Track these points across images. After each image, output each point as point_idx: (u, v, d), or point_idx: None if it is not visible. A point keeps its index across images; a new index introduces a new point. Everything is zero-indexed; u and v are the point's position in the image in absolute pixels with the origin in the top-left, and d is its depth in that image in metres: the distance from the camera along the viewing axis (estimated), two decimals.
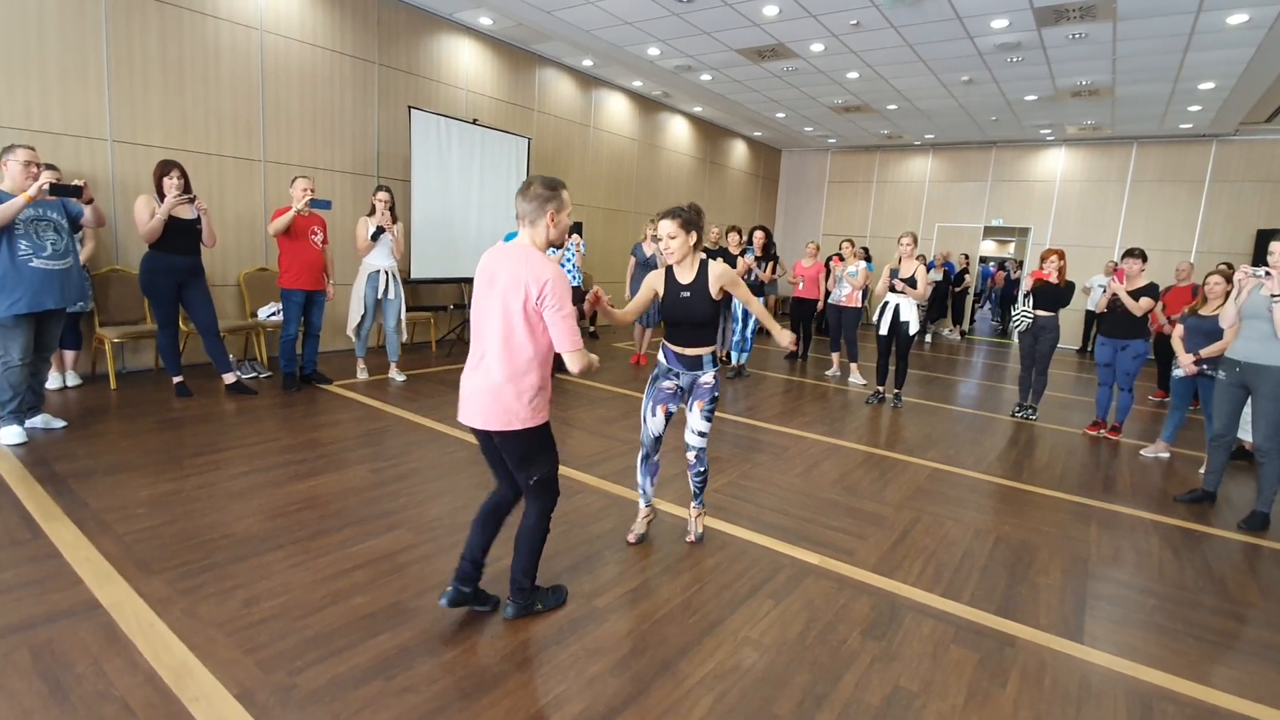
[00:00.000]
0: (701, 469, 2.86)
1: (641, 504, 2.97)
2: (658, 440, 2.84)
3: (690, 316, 2.69)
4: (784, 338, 2.75)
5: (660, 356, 2.83)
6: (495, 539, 2.28)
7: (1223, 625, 2.58)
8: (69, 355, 4.71)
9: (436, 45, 7.28)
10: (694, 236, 2.63)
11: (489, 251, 2.13)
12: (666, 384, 2.79)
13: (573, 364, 2.06)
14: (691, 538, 2.98)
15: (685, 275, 2.69)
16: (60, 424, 3.87)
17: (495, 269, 2.05)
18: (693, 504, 3.00)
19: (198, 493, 3.11)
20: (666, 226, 2.61)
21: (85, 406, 4.34)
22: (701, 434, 2.80)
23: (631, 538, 2.92)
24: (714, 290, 2.67)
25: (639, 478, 2.92)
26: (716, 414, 5.03)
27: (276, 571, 2.46)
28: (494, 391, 2.04)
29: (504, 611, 2.26)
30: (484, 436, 2.15)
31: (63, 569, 2.38)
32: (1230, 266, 4.87)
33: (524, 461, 2.13)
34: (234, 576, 2.40)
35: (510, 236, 6.57)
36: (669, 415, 2.80)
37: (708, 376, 2.76)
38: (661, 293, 2.73)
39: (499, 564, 2.52)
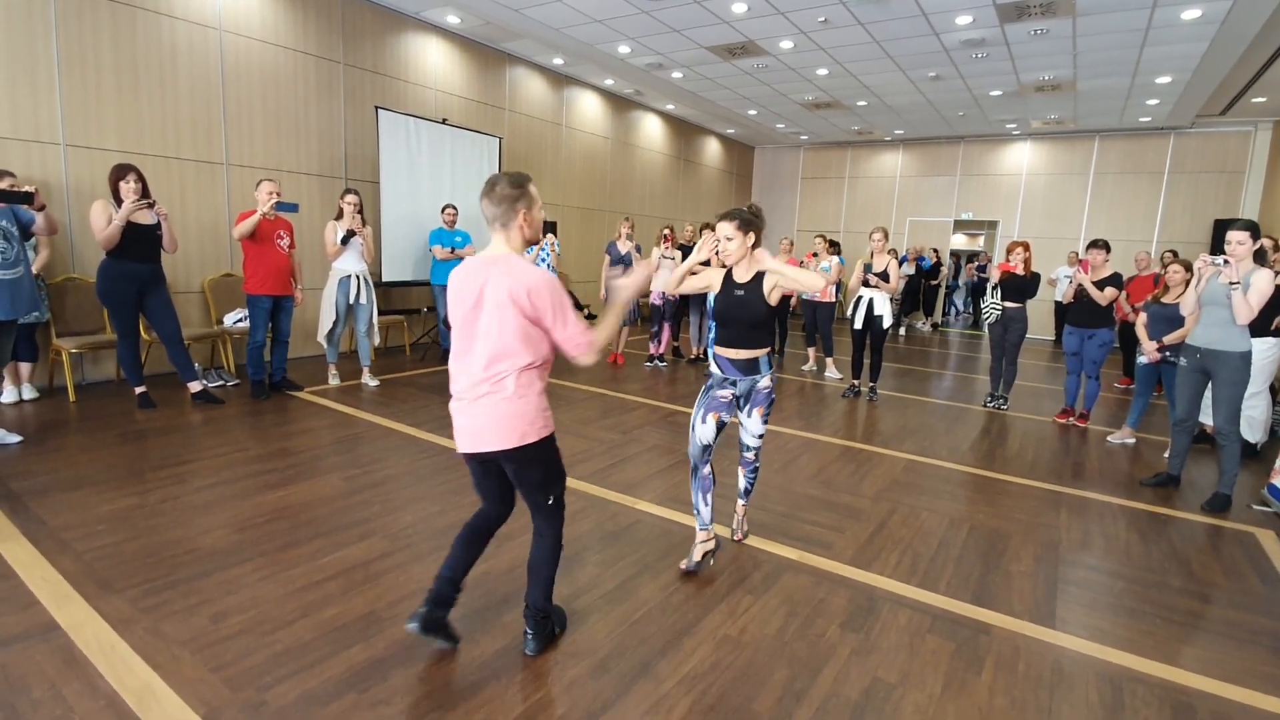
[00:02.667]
0: (757, 465, 2.88)
1: (699, 528, 2.71)
2: (707, 449, 2.67)
3: (741, 315, 2.61)
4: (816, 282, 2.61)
5: (714, 367, 2.70)
6: (480, 557, 2.15)
7: (1189, 606, 2.64)
8: (24, 368, 4.55)
9: (403, 44, 7.17)
10: (752, 237, 2.58)
11: (466, 265, 1.96)
12: (722, 393, 2.67)
13: (590, 360, 1.96)
14: (740, 535, 2.96)
15: (742, 275, 2.64)
16: (15, 439, 3.73)
17: (481, 285, 1.88)
18: (740, 501, 2.94)
19: (162, 507, 3.02)
20: (724, 228, 2.56)
21: (43, 420, 4.19)
22: (760, 436, 2.78)
23: (684, 565, 2.67)
24: (768, 293, 2.59)
25: (694, 497, 2.71)
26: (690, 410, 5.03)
27: (245, 585, 2.40)
28: (502, 408, 1.89)
29: (526, 648, 2.07)
30: (486, 464, 2.01)
31: (18, 590, 2.29)
32: (1175, 255, 5.01)
33: (544, 481, 2.01)
34: (200, 592, 2.33)
35: (438, 236, 6.56)
36: (721, 425, 2.66)
37: (765, 380, 2.68)
38: (719, 288, 2.67)
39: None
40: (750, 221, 2.57)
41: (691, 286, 2.72)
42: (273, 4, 5.98)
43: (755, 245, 2.61)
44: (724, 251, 2.59)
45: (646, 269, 2.16)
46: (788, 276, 2.55)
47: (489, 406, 1.90)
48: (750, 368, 2.65)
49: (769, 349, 2.71)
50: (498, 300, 1.85)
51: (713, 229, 2.62)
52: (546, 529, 2.08)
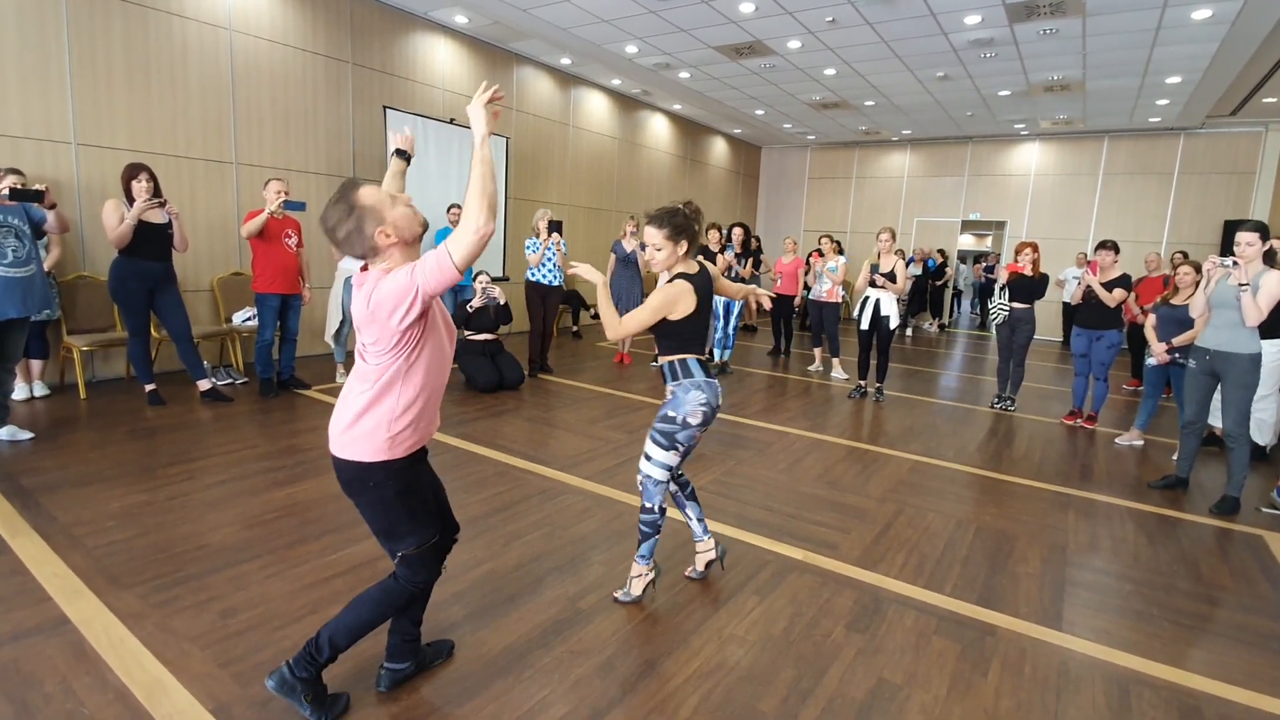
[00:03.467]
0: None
1: (694, 539, 2.64)
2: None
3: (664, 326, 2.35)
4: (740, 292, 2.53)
5: (705, 378, 2.37)
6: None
7: (1197, 609, 2.63)
8: (36, 365, 4.59)
9: (411, 44, 7.20)
10: (684, 246, 2.26)
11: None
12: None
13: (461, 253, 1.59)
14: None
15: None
16: (27, 435, 3.77)
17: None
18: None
19: (171, 504, 3.04)
20: (652, 235, 2.25)
21: (54, 417, 4.23)
22: (647, 456, 2.44)
23: (689, 573, 2.62)
24: (716, 286, 2.45)
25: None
26: None
27: (253, 582, 2.41)
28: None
29: (269, 679, 1.73)
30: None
31: (29, 585, 2.31)
32: (1185, 256, 4.98)
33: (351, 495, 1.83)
34: (209, 588, 2.35)
35: (444, 237, 6.58)
36: None
37: (670, 389, 2.43)
38: (694, 306, 2.30)
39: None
40: (682, 226, 2.25)
41: (654, 312, 2.32)
42: (282, 4, 6.02)
43: (687, 254, 2.30)
44: (650, 260, 2.29)
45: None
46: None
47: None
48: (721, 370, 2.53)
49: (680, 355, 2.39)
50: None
51: (720, 229, 2.56)
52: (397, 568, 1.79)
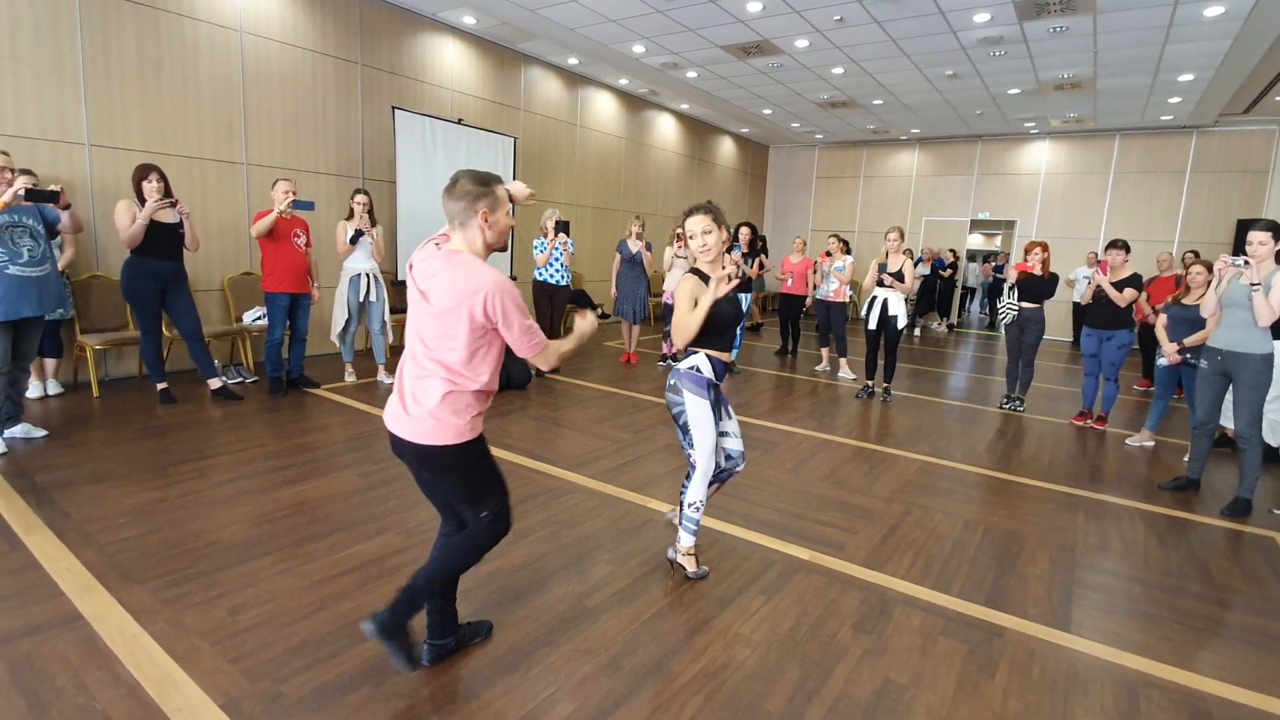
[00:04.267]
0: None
1: (694, 540, 2.63)
2: (729, 456, 2.66)
3: (737, 316, 2.52)
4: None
5: (707, 371, 2.47)
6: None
7: (1207, 611, 2.60)
8: (50, 363, 4.64)
9: (420, 45, 7.23)
10: (725, 231, 2.45)
11: (425, 249, 1.85)
12: (712, 396, 2.53)
13: (543, 364, 1.89)
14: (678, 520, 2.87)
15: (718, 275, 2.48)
16: (41, 433, 3.81)
17: (430, 276, 1.78)
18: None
19: (182, 501, 3.07)
20: (701, 222, 2.40)
21: (67, 415, 4.28)
22: (740, 435, 2.68)
23: (693, 573, 2.62)
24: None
25: (702, 506, 2.57)
26: None
27: (263, 579, 2.43)
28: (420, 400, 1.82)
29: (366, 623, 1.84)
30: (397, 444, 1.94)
31: (42, 581, 2.34)
32: (1197, 256, 4.93)
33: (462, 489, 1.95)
34: (219, 585, 2.38)
35: None
36: None
37: (725, 381, 2.61)
38: (710, 299, 2.38)
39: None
40: (721, 214, 2.46)
41: (704, 310, 2.39)
42: (292, 5, 6.06)
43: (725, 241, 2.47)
44: (704, 248, 2.42)
45: (588, 326, 2.03)
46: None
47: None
48: (726, 369, 2.58)
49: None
50: (443, 297, 1.75)
51: (728, 229, 2.57)
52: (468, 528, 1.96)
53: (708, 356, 2.48)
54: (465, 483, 1.89)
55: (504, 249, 1.91)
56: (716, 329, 2.49)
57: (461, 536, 1.95)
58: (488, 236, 1.81)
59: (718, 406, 2.55)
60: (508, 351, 1.90)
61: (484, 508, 1.91)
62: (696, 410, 2.47)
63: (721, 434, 2.60)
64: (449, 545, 1.98)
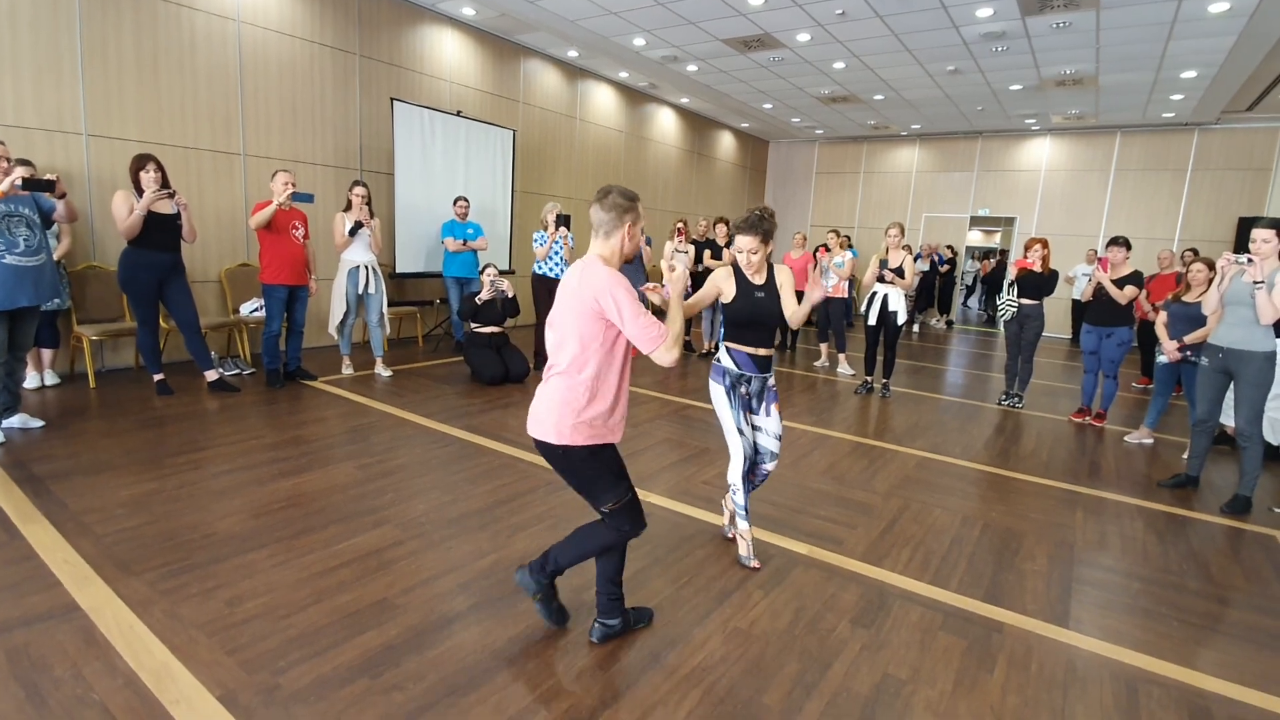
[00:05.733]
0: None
1: (747, 525, 2.72)
2: (755, 448, 2.75)
3: (764, 317, 2.65)
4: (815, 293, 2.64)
5: (729, 362, 2.66)
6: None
7: (1206, 608, 2.60)
8: (46, 354, 4.62)
9: (419, 36, 7.19)
10: (770, 246, 2.63)
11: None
12: (744, 390, 2.70)
13: (666, 356, 1.93)
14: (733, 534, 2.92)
15: (758, 277, 2.66)
16: (38, 424, 3.80)
17: (567, 282, 1.99)
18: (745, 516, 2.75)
19: (179, 492, 3.06)
20: (747, 242, 2.57)
21: (64, 406, 4.26)
22: (780, 437, 2.77)
23: (756, 564, 2.69)
24: (784, 292, 2.68)
25: (744, 497, 2.68)
26: (703, 405, 5.04)
27: (260, 571, 2.43)
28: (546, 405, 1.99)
29: (516, 573, 2.16)
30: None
31: (40, 571, 2.33)
32: (1196, 254, 4.92)
33: (582, 485, 2.09)
34: (216, 576, 2.37)
35: (450, 229, 6.54)
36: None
37: (773, 378, 2.75)
38: (733, 293, 2.64)
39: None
40: (770, 231, 2.59)
41: (704, 299, 2.66)
42: None
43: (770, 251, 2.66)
44: (747, 266, 2.63)
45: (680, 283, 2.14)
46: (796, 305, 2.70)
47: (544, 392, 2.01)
48: (765, 364, 2.69)
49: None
50: (569, 295, 1.95)
51: (726, 223, 2.64)
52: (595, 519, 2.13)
53: (729, 349, 2.68)
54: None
55: (631, 261, 2.07)
56: (735, 323, 2.66)
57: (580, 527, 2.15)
58: (626, 247, 2.01)
59: (734, 395, 2.66)
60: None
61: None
62: (714, 397, 2.71)
63: (755, 428, 2.74)
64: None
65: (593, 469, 2.00)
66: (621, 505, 2.04)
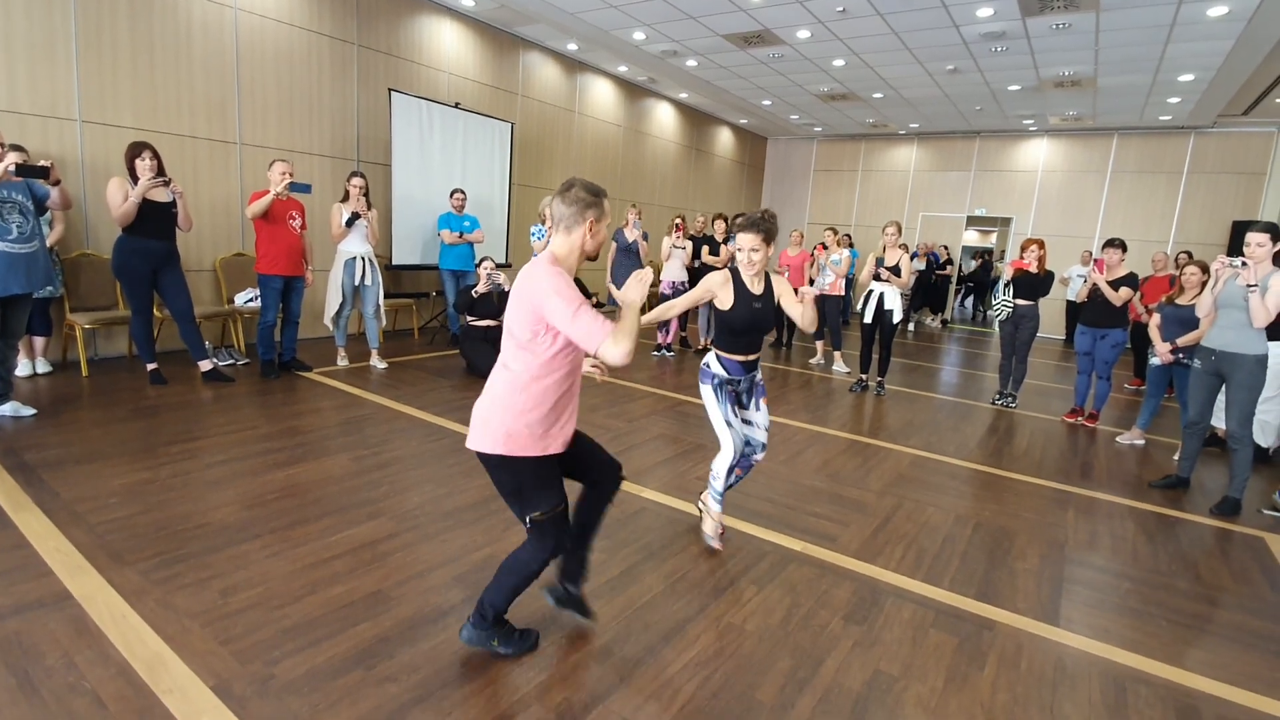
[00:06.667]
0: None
1: (719, 508, 2.80)
2: (747, 441, 2.82)
3: (760, 326, 2.68)
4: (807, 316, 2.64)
5: (719, 368, 2.74)
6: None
7: (1195, 609, 2.63)
8: (39, 342, 4.59)
9: (417, 27, 7.14)
10: (772, 248, 2.63)
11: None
12: (732, 390, 2.79)
13: (616, 355, 1.73)
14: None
15: (756, 286, 2.68)
16: (30, 412, 3.77)
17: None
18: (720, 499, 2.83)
19: (173, 482, 3.05)
20: (749, 240, 2.56)
21: (56, 394, 4.24)
22: (768, 429, 2.87)
23: (719, 545, 2.79)
24: (785, 300, 2.72)
25: (723, 485, 2.76)
26: (697, 400, 5.04)
27: (254, 561, 2.42)
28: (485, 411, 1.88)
29: (461, 631, 2.01)
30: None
31: (32, 560, 2.32)
32: (1190, 256, 4.95)
33: (512, 494, 1.94)
34: (210, 567, 2.36)
35: (446, 221, 6.51)
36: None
37: (760, 374, 2.84)
38: (731, 302, 2.65)
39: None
40: (770, 232, 2.60)
41: (693, 299, 2.76)
42: None
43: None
44: (748, 264, 2.62)
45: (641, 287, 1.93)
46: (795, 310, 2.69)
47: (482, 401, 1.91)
48: (753, 366, 2.78)
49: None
50: (513, 297, 1.87)
51: (726, 219, 2.66)
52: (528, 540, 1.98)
53: (719, 357, 2.74)
54: None
55: (596, 258, 2.03)
56: (731, 331, 2.70)
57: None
58: (588, 245, 1.91)
59: (722, 392, 2.75)
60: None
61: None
62: (704, 394, 2.79)
63: (745, 422, 2.84)
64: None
65: (524, 475, 1.87)
66: (548, 517, 1.90)
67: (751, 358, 2.75)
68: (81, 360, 4.75)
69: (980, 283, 15.03)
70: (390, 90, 6.68)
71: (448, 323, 7.16)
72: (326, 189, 6.38)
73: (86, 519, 2.64)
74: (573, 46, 8.64)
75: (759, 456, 2.89)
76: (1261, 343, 3.52)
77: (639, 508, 3.16)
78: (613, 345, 1.71)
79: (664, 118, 11.34)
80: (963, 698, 1.97)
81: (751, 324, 2.67)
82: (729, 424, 2.72)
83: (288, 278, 4.90)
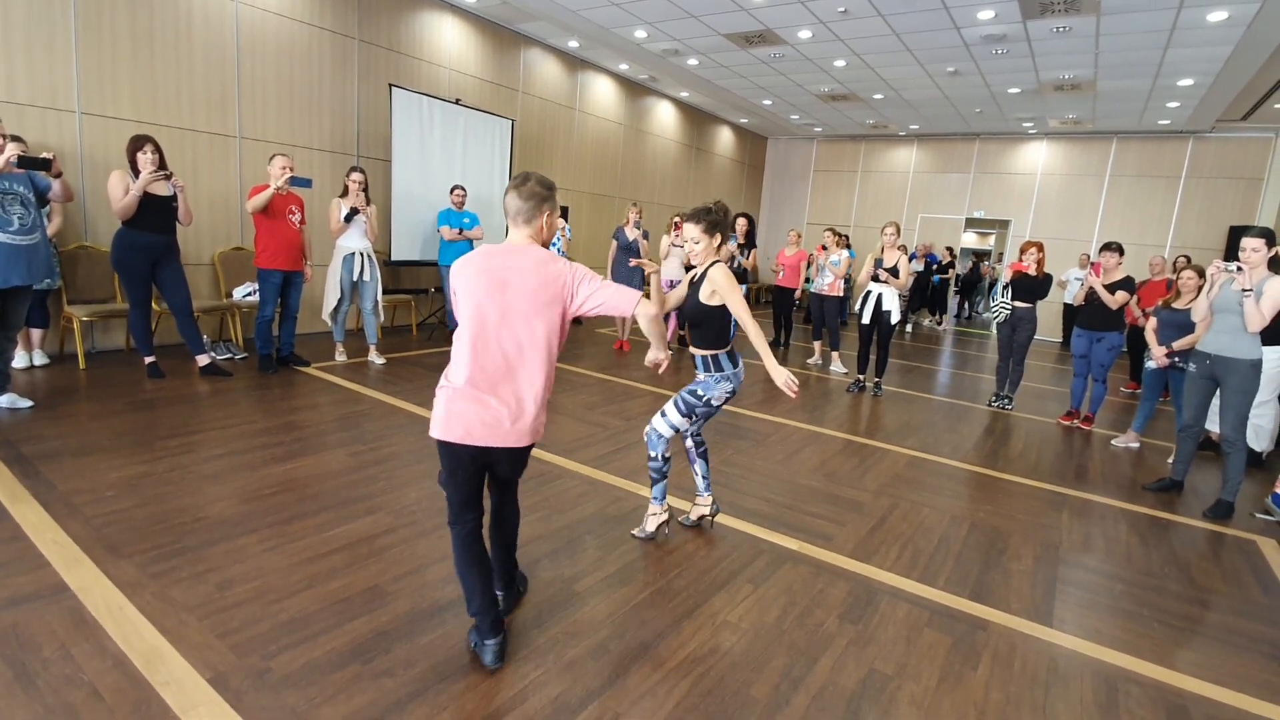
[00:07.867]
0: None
1: (663, 491, 2.82)
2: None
3: (698, 319, 2.65)
4: (778, 376, 2.51)
5: (733, 369, 2.77)
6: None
7: (1187, 611, 2.65)
8: (36, 334, 4.58)
9: (418, 22, 7.13)
10: (718, 239, 2.60)
11: (480, 253, 1.91)
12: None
13: (646, 318, 2.04)
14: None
15: (698, 277, 2.69)
16: (27, 404, 3.77)
17: (504, 272, 1.86)
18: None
19: (170, 475, 3.05)
20: (689, 229, 2.57)
21: (53, 386, 4.23)
22: (664, 413, 2.74)
23: (642, 535, 2.83)
24: (704, 294, 2.60)
25: (656, 482, 2.81)
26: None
27: (251, 555, 2.43)
28: (526, 406, 1.90)
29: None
30: (479, 455, 1.91)
31: (28, 551, 2.32)
32: (1188, 260, 4.97)
33: (523, 467, 2.11)
34: (207, 560, 2.37)
35: (446, 217, 6.51)
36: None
37: (703, 373, 2.70)
38: (683, 295, 2.74)
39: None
40: (715, 224, 2.58)
41: (677, 296, 2.77)
42: None
43: (720, 247, 2.63)
44: (690, 253, 2.63)
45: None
46: (743, 319, 2.59)
47: (513, 400, 1.89)
48: (705, 364, 2.68)
49: (711, 352, 2.66)
50: (529, 288, 1.87)
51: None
52: (513, 500, 2.17)
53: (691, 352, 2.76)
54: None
55: (546, 246, 2.06)
56: (684, 323, 2.76)
57: (512, 512, 2.17)
58: (544, 235, 1.98)
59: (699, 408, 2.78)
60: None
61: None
62: (714, 392, 2.73)
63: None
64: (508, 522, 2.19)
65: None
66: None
67: (704, 352, 2.68)
68: (79, 353, 4.75)
69: (968, 283, 15.07)
70: (391, 85, 6.67)
71: (446, 319, 7.16)
72: (326, 184, 6.37)
73: (83, 511, 2.64)
74: (574, 44, 8.63)
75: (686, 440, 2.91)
76: (1256, 347, 3.54)
77: (636, 505, 3.17)
78: (646, 306, 1.99)
79: (664, 116, 11.34)
80: (956, 697, 1.98)
81: (690, 316, 2.67)
82: (676, 429, 2.72)
83: (287, 272, 4.90)
